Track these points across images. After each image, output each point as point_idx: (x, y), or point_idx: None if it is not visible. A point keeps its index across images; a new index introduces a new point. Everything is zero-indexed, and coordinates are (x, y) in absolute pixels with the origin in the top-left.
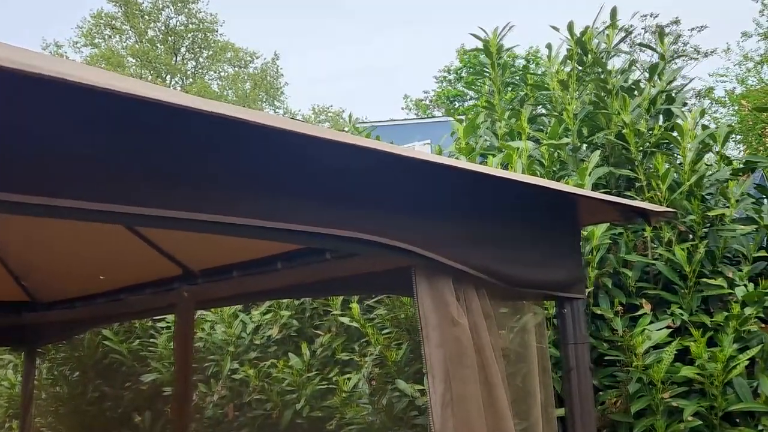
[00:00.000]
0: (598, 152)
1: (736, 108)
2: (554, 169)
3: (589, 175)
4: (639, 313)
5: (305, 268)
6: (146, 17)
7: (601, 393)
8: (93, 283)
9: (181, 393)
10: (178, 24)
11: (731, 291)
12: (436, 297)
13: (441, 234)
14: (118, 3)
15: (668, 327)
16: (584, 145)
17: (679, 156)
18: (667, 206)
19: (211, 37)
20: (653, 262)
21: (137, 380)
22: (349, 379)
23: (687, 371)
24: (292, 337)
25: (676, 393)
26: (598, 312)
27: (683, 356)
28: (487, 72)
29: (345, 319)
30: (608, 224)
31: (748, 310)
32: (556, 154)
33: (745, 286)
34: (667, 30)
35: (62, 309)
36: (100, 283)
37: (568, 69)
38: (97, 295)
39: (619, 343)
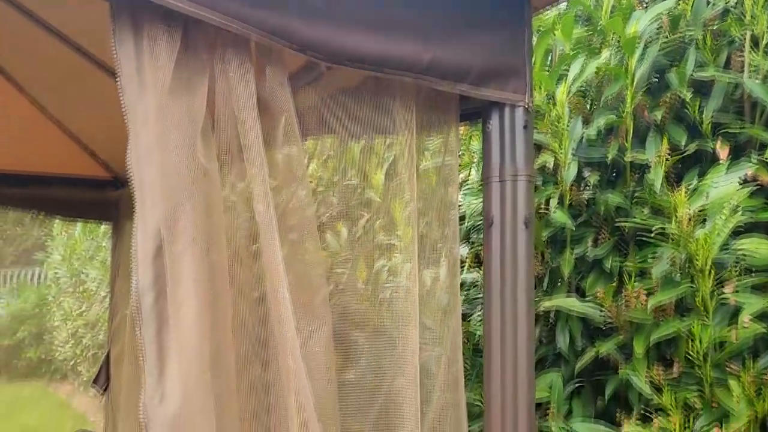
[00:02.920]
0: None
1: None
2: None
3: None
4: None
5: None
6: None
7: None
8: None
9: None
10: None
11: None
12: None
13: None
14: None
15: (745, 180)
16: None
17: None
18: None
19: None
20: (743, 80)
21: None
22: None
23: (765, 248)
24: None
25: (745, 284)
26: (642, 159)
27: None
28: None
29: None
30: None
31: None
32: None
33: None
34: None
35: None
36: None
37: None
38: None
39: (661, 207)
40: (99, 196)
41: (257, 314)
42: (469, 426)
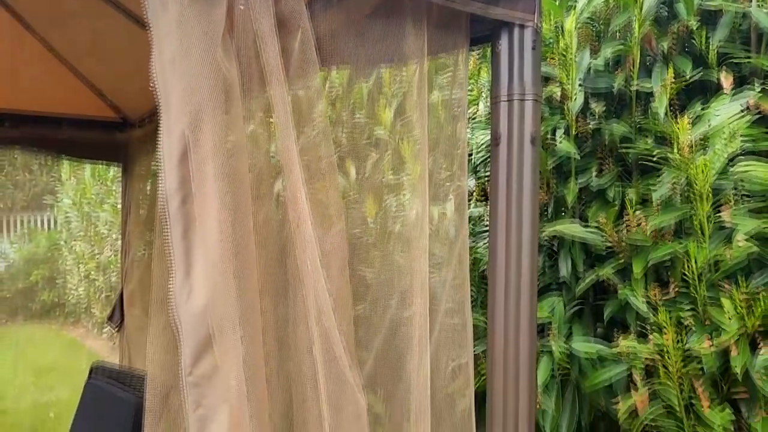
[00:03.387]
0: None
1: None
2: None
3: None
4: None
5: None
6: None
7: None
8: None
9: None
10: None
11: None
12: None
13: None
14: None
15: (747, 109)
16: None
17: None
18: None
19: None
20: (751, 10)
21: None
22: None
23: (762, 172)
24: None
25: (741, 208)
26: (647, 88)
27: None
28: None
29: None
30: None
31: None
32: None
33: None
34: None
35: (147, 124)
36: None
37: None
38: None
39: (664, 135)
40: (108, 137)
41: (276, 223)
42: (474, 345)
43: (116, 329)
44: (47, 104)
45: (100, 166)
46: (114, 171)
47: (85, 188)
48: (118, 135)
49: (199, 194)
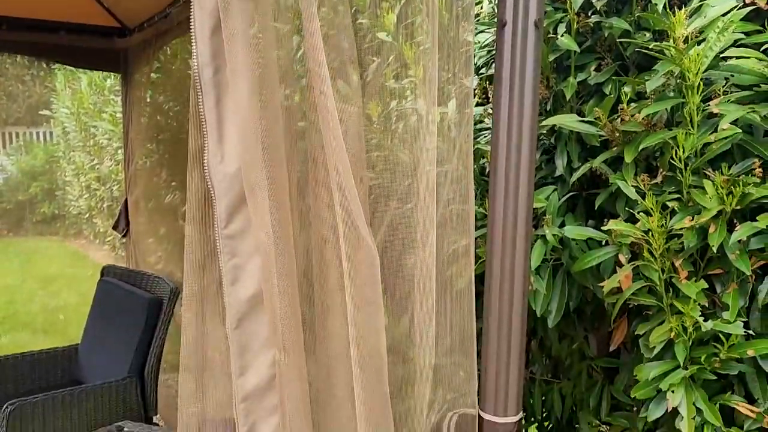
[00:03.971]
0: None
1: None
2: None
3: None
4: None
5: None
6: None
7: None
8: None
9: None
10: None
11: None
12: None
13: None
14: None
15: (744, 4)
16: None
17: None
18: None
19: None
20: None
21: None
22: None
23: (752, 63)
24: None
25: (730, 98)
26: None
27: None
28: None
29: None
30: None
31: None
32: None
33: None
34: None
35: (146, 29)
36: None
37: None
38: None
39: (662, 29)
40: (107, 44)
41: (300, 96)
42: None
43: (122, 236)
44: (44, 11)
45: (97, 76)
46: (111, 81)
47: (82, 98)
48: (117, 41)
49: (230, 66)
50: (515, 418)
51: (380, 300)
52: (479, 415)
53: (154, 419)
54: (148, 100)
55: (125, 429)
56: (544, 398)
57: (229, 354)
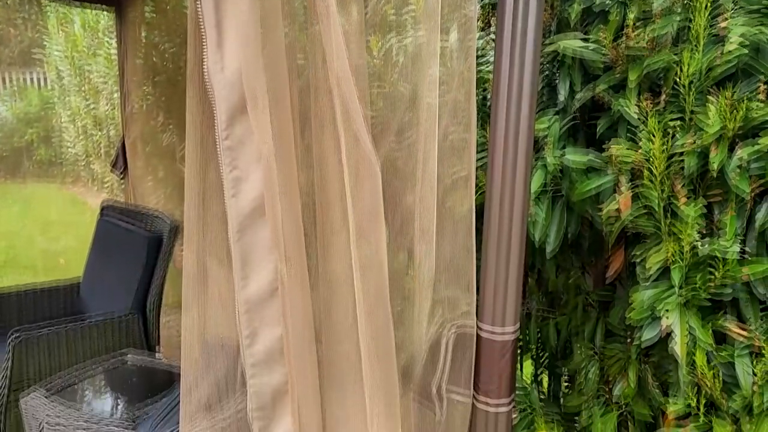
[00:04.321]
0: None
1: None
2: None
3: None
4: None
5: None
6: None
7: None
8: None
9: None
10: None
11: None
12: None
13: None
14: None
15: None
16: None
17: None
18: None
19: None
20: None
21: None
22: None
23: None
24: None
25: (738, 14)
26: None
27: None
28: None
29: None
30: None
31: None
32: None
33: None
34: None
35: None
36: None
37: None
38: None
39: None
40: None
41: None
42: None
43: (121, 176)
44: None
45: (90, 17)
46: (104, 21)
47: (75, 40)
48: None
49: None
50: (512, 328)
51: (382, 214)
52: (477, 326)
53: (157, 355)
54: (144, 40)
55: (128, 358)
56: (539, 332)
57: (231, 290)
